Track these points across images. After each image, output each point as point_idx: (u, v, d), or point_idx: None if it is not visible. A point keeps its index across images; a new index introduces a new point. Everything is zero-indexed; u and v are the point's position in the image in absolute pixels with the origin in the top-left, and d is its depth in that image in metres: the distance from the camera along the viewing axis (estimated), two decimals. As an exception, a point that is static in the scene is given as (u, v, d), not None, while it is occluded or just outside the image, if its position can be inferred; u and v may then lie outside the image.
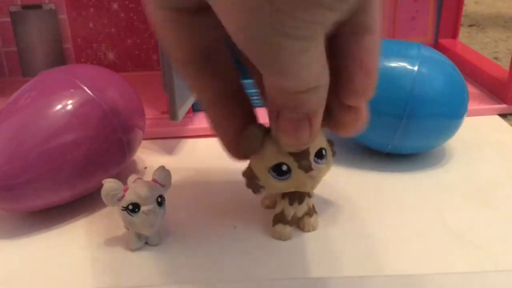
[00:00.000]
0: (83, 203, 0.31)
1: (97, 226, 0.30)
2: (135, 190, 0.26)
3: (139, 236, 0.27)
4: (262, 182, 0.26)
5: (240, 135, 0.25)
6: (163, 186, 0.27)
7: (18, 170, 0.28)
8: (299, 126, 0.22)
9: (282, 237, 0.28)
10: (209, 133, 0.41)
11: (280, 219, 0.28)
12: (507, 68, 0.45)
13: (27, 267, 0.27)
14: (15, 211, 0.30)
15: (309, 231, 0.29)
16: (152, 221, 0.27)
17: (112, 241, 0.28)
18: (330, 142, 0.28)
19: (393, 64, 0.33)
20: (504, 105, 0.44)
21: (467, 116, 0.36)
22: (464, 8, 0.60)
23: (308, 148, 0.25)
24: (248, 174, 0.27)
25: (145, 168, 0.36)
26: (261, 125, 0.26)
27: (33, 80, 0.32)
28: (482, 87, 0.48)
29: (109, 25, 0.51)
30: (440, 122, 0.34)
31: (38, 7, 0.50)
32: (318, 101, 0.22)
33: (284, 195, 0.28)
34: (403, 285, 0.25)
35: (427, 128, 0.33)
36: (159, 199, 0.27)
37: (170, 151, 0.39)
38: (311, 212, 0.29)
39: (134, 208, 0.26)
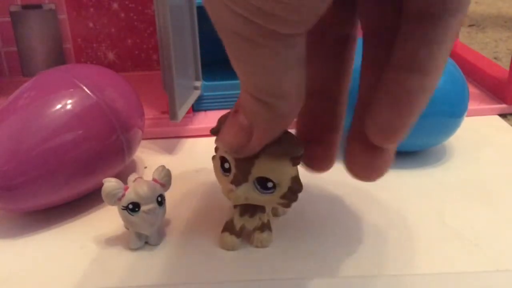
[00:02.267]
0: (83, 203, 0.31)
1: (97, 226, 0.30)
2: (135, 189, 0.26)
3: (139, 235, 0.27)
4: (214, 163, 0.26)
5: None
6: (163, 185, 0.27)
7: (18, 170, 0.28)
8: (237, 131, 0.20)
9: (225, 247, 0.27)
10: (209, 133, 0.41)
11: (228, 227, 0.27)
12: (507, 68, 0.45)
13: (27, 267, 0.27)
14: (15, 211, 0.30)
15: (257, 246, 0.27)
16: (152, 220, 0.27)
17: (112, 241, 0.28)
18: (297, 187, 0.25)
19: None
20: (504, 105, 0.44)
21: (467, 116, 0.36)
22: (464, 8, 0.60)
23: (252, 166, 0.23)
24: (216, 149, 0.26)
25: (145, 168, 0.36)
26: None
27: (32, 80, 0.32)
28: (482, 87, 0.48)
29: (109, 25, 0.51)
30: (440, 120, 0.34)
31: (38, 7, 0.50)
32: (268, 120, 0.19)
33: (235, 205, 0.27)
34: (403, 285, 0.25)
35: (427, 126, 0.33)
36: (159, 199, 0.27)
37: (170, 151, 0.39)
38: (263, 228, 0.27)
39: (134, 207, 0.26)
